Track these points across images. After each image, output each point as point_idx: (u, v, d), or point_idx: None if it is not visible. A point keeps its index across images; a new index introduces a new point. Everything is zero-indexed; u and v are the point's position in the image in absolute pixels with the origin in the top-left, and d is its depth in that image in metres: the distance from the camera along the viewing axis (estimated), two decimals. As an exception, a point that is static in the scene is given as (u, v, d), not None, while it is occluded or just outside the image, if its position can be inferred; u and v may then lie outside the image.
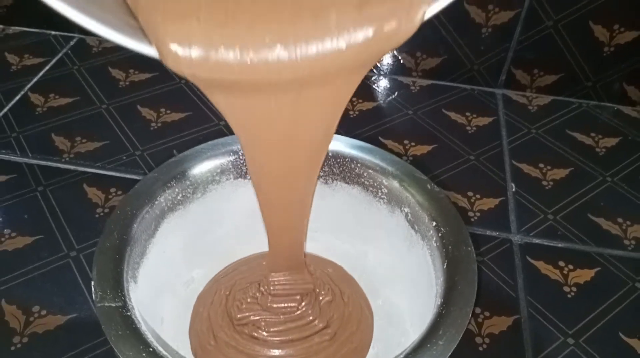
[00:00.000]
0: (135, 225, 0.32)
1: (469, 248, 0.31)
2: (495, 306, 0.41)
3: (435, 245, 0.33)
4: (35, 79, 0.61)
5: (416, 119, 0.58)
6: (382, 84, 0.62)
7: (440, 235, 0.32)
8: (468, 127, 0.57)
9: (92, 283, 0.29)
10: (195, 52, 0.19)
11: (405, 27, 0.20)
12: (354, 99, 0.59)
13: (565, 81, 0.63)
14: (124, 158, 0.51)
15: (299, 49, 0.19)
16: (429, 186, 0.35)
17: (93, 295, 0.28)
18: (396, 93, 0.61)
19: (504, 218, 0.48)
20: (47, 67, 0.63)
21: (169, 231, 0.35)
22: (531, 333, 0.40)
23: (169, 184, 0.35)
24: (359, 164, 0.37)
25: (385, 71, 0.64)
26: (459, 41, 0.61)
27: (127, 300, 0.28)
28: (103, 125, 0.55)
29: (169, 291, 0.36)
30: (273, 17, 0.19)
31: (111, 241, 0.31)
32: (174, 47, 0.18)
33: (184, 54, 0.19)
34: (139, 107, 0.57)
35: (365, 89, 0.61)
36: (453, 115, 0.59)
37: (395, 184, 0.36)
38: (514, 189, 0.51)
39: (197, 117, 0.56)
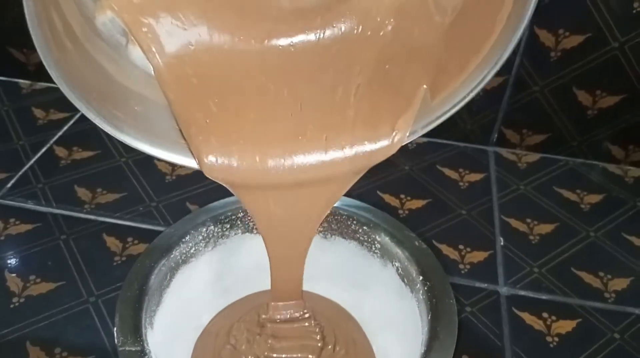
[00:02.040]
0: (153, 276, 0.36)
1: (451, 301, 0.35)
2: (481, 355, 0.44)
3: (421, 297, 0.36)
4: (60, 133, 0.65)
5: (412, 174, 0.62)
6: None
7: (426, 288, 0.36)
8: (461, 183, 0.61)
9: (115, 329, 0.32)
10: (225, 162, 0.26)
11: (387, 150, 0.27)
12: (355, 155, 0.63)
13: (552, 140, 0.67)
14: (141, 208, 0.54)
15: (301, 161, 0.25)
16: (416, 243, 0.38)
17: (115, 340, 0.32)
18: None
19: (492, 271, 0.51)
20: (71, 122, 0.67)
21: (183, 281, 0.39)
22: (515, 380, 0.43)
23: (183, 239, 0.39)
24: (354, 221, 0.41)
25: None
26: (453, 102, 0.65)
27: (145, 344, 0.32)
28: (122, 177, 0.58)
29: (181, 335, 0.40)
30: (284, 135, 0.26)
31: (132, 291, 0.35)
32: (210, 160, 0.26)
33: (217, 165, 0.26)
34: (155, 161, 0.61)
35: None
36: (447, 171, 0.63)
37: (387, 240, 0.39)
38: (502, 243, 0.54)
39: (208, 172, 0.60)
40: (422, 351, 0.32)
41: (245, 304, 0.41)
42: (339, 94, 0.27)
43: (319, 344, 0.37)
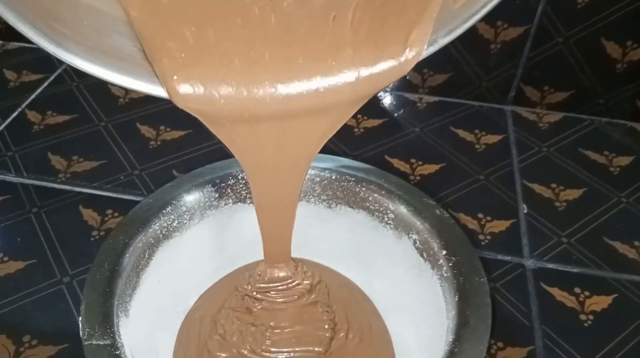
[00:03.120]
0: (127, 255, 0.30)
1: (482, 279, 0.29)
2: (508, 336, 0.39)
3: (445, 275, 0.31)
4: (32, 96, 0.59)
5: (423, 137, 0.56)
6: (388, 100, 0.61)
7: (450, 264, 0.31)
8: (477, 146, 0.55)
9: (80, 319, 0.27)
10: (200, 91, 0.20)
11: (400, 68, 0.22)
12: (359, 116, 0.58)
13: (576, 98, 0.61)
14: (122, 178, 0.50)
15: (294, 86, 0.21)
16: (438, 212, 0.33)
17: (80, 333, 0.27)
18: (402, 110, 0.60)
19: (515, 242, 0.46)
20: (46, 84, 0.61)
21: (165, 260, 0.33)
22: (547, 365, 0.38)
23: (164, 211, 0.33)
24: (364, 188, 0.35)
25: (390, 87, 0.62)
26: (467, 57, 0.59)
27: (117, 337, 0.27)
28: (101, 144, 0.53)
29: (164, 322, 0.34)
30: (273, 55, 0.21)
31: (101, 273, 0.29)
32: (182, 87, 0.20)
33: (190, 92, 0.21)
34: (138, 125, 0.55)
35: (370, 106, 0.59)
36: (461, 133, 0.57)
37: (403, 209, 0.34)
38: (525, 211, 0.49)
39: (197, 136, 0.54)
40: (450, 340, 0.27)
41: (231, 282, 0.35)
42: (335, 13, 0.22)
43: (328, 334, 0.32)
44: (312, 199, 0.37)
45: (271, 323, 0.32)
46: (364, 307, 0.35)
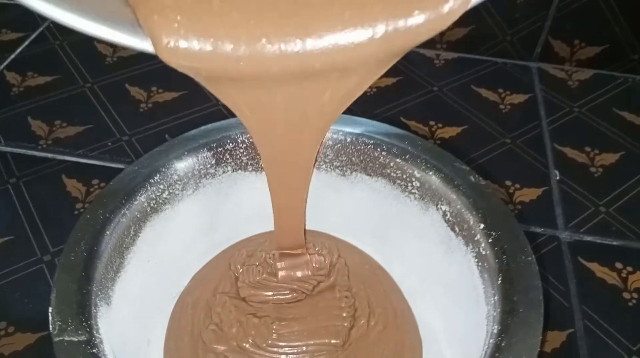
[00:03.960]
0: (108, 232, 0.26)
1: (529, 258, 0.25)
2: (545, 318, 0.35)
3: (483, 252, 0.26)
4: (12, 56, 0.54)
5: (442, 96, 0.51)
6: (403, 57, 0.55)
7: (490, 240, 0.26)
8: (501, 106, 0.50)
9: (50, 310, 0.22)
10: (191, 44, 0.17)
11: (439, 21, 0.18)
12: (371, 75, 0.52)
13: (608, 53, 0.55)
14: (109, 144, 0.45)
15: (302, 41, 0.17)
16: (472, 179, 0.28)
17: (50, 327, 0.22)
18: (418, 68, 0.54)
19: (548, 212, 0.42)
20: (26, 43, 0.56)
21: (154, 237, 0.29)
22: (589, 350, 0.34)
23: (151, 180, 0.28)
24: (384, 152, 0.30)
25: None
26: (490, 8, 0.54)
27: (95, 331, 0.22)
28: (86, 107, 0.48)
29: (155, 309, 0.30)
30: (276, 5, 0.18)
31: (77, 255, 0.24)
32: (170, 40, 0.17)
33: (179, 46, 0.17)
34: (127, 86, 0.50)
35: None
36: (484, 92, 0.52)
37: (431, 175, 0.29)
38: (558, 178, 0.44)
39: (193, 97, 0.49)
40: (495, 331, 0.22)
41: (225, 260, 0.31)
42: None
43: (346, 323, 0.27)
44: (324, 166, 0.32)
45: (278, 315, 0.27)
46: (387, 289, 0.31)
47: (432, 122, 0.48)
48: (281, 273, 0.29)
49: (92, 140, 0.45)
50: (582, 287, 0.37)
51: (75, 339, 0.22)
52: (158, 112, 0.48)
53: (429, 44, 0.56)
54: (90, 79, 0.51)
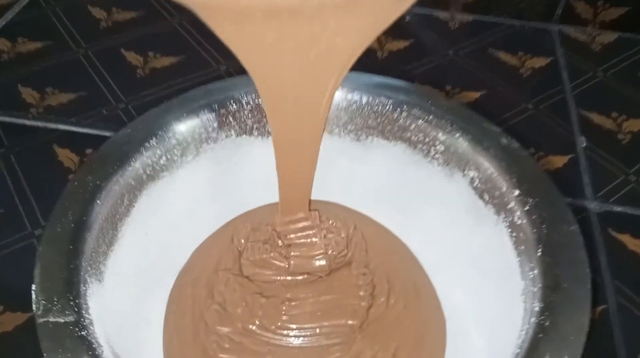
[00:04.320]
0: (99, 201, 0.23)
1: (572, 228, 0.22)
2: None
3: (518, 221, 0.23)
4: (2, 23, 0.51)
5: (458, 61, 0.48)
6: (415, 19, 0.52)
7: (527, 208, 0.23)
8: (521, 70, 0.47)
9: (33, 288, 0.20)
10: None
11: None
12: (381, 37, 0.49)
13: (633, 15, 0.52)
14: (104, 112, 0.42)
15: None
16: (504, 140, 0.25)
17: (33, 306, 0.20)
18: (432, 31, 0.51)
19: (575, 180, 0.39)
20: (17, 7, 0.53)
21: (151, 207, 0.26)
22: (622, 328, 0.31)
23: (147, 144, 0.25)
24: (404, 113, 0.27)
25: (418, 4, 0.53)
26: (508, -34, 0.50)
27: (83, 311, 0.20)
28: (80, 73, 0.45)
29: (155, 285, 0.27)
30: None
31: (64, 226, 0.22)
32: None
33: None
34: (122, 51, 0.47)
35: (394, 26, 0.51)
36: (502, 56, 0.48)
37: (457, 138, 0.26)
38: (584, 145, 0.41)
39: (192, 62, 0.46)
40: (537, 308, 0.20)
41: (228, 233, 0.28)
42: None
43: (364, 303, 0.25)
44: (337, 131, 0.29)
45: (288, 295, 0.25)
46: (407, 263, 0.28)
47: (448, 87, 0.45)
48: (294, 262, 0.26)
49: (85, 108, 0.43)
50: (613, 261, 0.34)
51: (62, 320, 0.19)
52: (156, 78, 0.45)
53: (443, 5, 0.53)
54: (84, 44, 0.48)
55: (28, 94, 0.44)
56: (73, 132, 0.41)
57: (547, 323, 0.19)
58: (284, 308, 0.24)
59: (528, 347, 0.19)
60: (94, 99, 0.43)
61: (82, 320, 0.19)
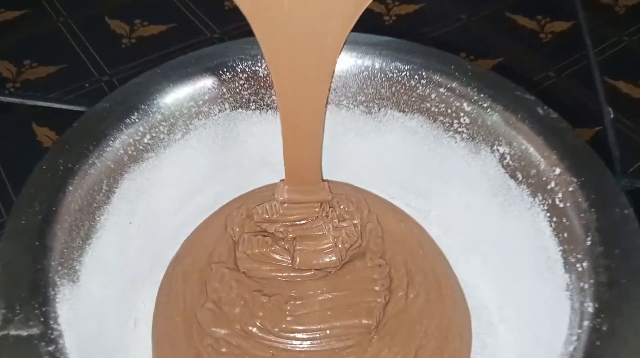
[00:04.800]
0: (71, 188, 0.20)
1: (626, 211, 0.19)
2: None
3: (560, 204, 0.20)
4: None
5: (472, 26, 0.44)
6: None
7: (570, 188, 0.20)
8: (541, 35, 0.43)
9: (-10, 294, 0.17)
10: None
11: None
12: (389, 1, 0.45)
13: (660, -26, 0.48)
14: (87, 86, 0.40)
15: None
16: (541, 111, 0.22)
17: (-8, 316, 0.16)
18: (443, -6, 0.47)
19: (603, 155, 0.35)
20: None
21: (135, 194, 0.23)
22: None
23: (128, 120, 0.22)
24: (423, 81, 0.24)
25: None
26: None
27: (52, 321, 0.16)
28: (60, 44, 0.43)
29: (141, 279, 0.24)
30: None
31: (29, 219, 0.18)
32: None
33: None
34: (107, 19, 0.44)
35: (402, -11, 0.47)
36: (520, 19, 0.45)
37: (485, 108, 0.23)
38: (612, 116, 0.38)
39: (182, 30, 0.43)
40: (590, 309, 0.16)
41: (221, 221, 0.25)
42: None
43: (380, 299, 0.22)
44: (345, 102, 0.26)
45: (292, 293, 0.22)
46: (427, 252, 0.25)
47: (462, 54, 0.41)
48: (299, 258, 0.23)
49: (66, 82, 0.40)
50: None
51: (25, 333, 0.16)
52: (143, 48, 0.42)
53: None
54: (65, 13, 0.45)
55: (4, 67, 0.40)
56: (53, 109, 0.38)
57: (604, 328, 0.16)
58: (289, 307, 0.21)
59: (585, 350, 0.16)
60: (75, 72, 0.41)
61: (49, 332, 0.16)
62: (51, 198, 0.19)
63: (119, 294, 0.23)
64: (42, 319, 0.16)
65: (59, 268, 0.18)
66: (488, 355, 0.25)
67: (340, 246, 0.22)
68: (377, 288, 0.22)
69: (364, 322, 0.21)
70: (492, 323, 0.25)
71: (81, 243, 0.20)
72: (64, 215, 0.19)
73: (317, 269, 0.22)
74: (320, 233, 0.23)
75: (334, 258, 0.22)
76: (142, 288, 0.25)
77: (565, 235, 0.20)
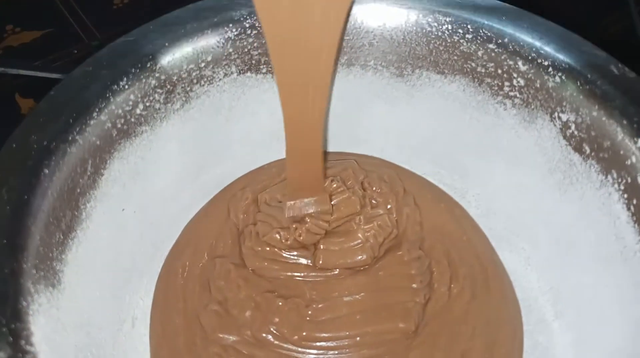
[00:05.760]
0: (46, 171, 0.16)
1: None
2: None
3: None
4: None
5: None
6: None
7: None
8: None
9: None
10: None
11: None
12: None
13: None
14: (75, 52, 0.36)
15: None
16: (614, 69, 0.18)
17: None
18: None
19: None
20: None
21: (128, 175, 0.19)
22: None
23: (116, 87, 0.18)
24: (468, 35, 0.20)
25: None
26: None
27: (23, 341, 0.13)
28: (45, 6, 0.39)
29: (140, 272, 0.21)
30: None
31: (-7, 208, 0.15)
32: None
33: None
34: (96, -22, 0.40)
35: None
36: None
37: (546, 68, 0.19)
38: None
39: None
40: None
41: (223, 203, 0.22)
42: None
43: (419, 298, 0.18)
44: (372, 63, 0.22)
45: (313, 294, 0.18)
46: (471, 237, 0.21)
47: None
48: (322, 259, 0.19)
49: (53, 48, 0.37)
50: None
51: (-12, 358, 0.13)
52: (136, 10, 0.39)
53: None
54: (50, -29, 0.40)
55: (-17, 33, 0.36)
56: (38, 79, 0.35)
57: None
58: (310, 312, 0.18)
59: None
60: (62, 37, 0.38)
61: (18, 355, 0.13)
62: (22, 184, 0.16)
63: (112, 292, 0.20)
64: (10, 340, 0.13)
65: (34, 272, 0.15)
66: (540, 356, 0.21)
67: (372, 241, 0.19)
68: (415, 285, 0.19)
69: (401, 325, 0.18)
70: (545, 319, 0.22)
71: (62, 237, 0.17)
72: (38, 205, 0.16)
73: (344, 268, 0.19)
74: (348, 227, 0.19)
75: (364, 257, 0.19)
76: (140, 283, 0.21)
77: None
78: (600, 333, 0.19)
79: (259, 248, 0.20)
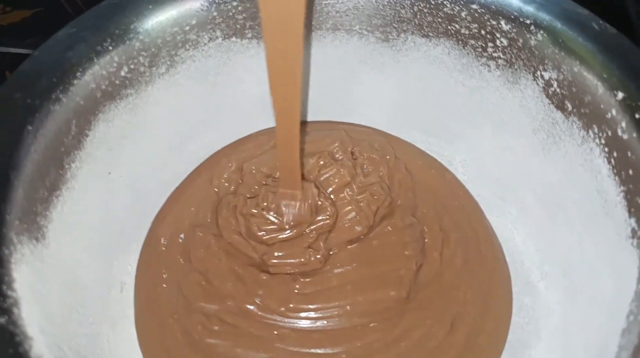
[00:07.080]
0: (30, 127, 0.16)
1: None
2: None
3: (624, 136, 0.17)
4: None
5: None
6: None
7: (637, 115, 0.16)
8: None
9: None
10: None
11: None
12: None
13: None
14: None
15: None
16: (595, 26, 0.18)
17: None
18: None
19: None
20: None
21: (115, 137, 0.19)
22: None
23: (99, 48, 0.18)
24: (450, -3, 0.20)
25: None
26: None
27: (5, 286, 0.13)
28: None
29: (129, 237, 0.21)
30: None
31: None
32: None
33: None
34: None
35: None
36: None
37: (528, 26, 0.19)
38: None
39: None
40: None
41: (208, 176, 0.22)
42: None
43: (412, 265, 0.18)
44: (357, 27, 0.22)
45: (301, 260, 0.18)
46: (463, 202, 0.21)
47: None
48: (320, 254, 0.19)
49: (43, 26, 0.36)
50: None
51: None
52: None
53: None
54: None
55: (-27, 12, 0.36)
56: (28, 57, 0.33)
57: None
58: (297, 285, 0.18)
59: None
60: (53, 16, 0.37)
61: (1, 299, 0.13)
62: (6, 139, 0.16)
63: (100, 255, 0.20)
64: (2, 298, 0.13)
65: (17, 223, 0.15)
66: (526, 318, 0.22)
67: (366, 210, 0.19)
68: (407, 252, 0.19)
69: (392, 293, 0.18)
70: (530, 281, 0.22)
71: (46, 194, 0.17)
72: (22, 160, 0.16)
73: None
74: (342, 198, 0.19)
75: (360, 228, 0.19)
76: (129, 249, 0.21)
77: (630, 171, 0.17)
78: (588, 288, 0.19)
79: (234, 221, 0.20)
